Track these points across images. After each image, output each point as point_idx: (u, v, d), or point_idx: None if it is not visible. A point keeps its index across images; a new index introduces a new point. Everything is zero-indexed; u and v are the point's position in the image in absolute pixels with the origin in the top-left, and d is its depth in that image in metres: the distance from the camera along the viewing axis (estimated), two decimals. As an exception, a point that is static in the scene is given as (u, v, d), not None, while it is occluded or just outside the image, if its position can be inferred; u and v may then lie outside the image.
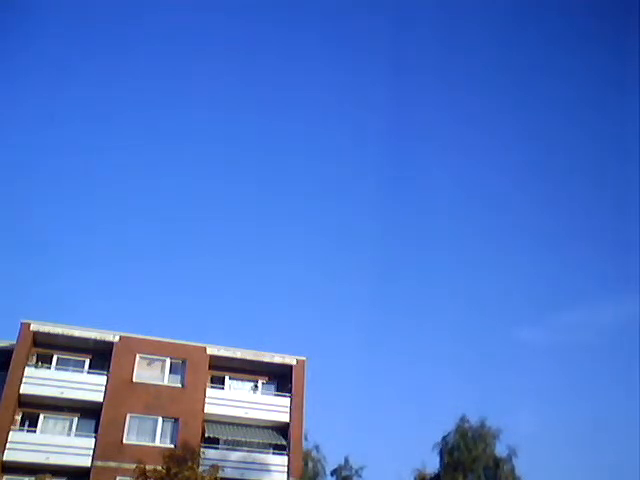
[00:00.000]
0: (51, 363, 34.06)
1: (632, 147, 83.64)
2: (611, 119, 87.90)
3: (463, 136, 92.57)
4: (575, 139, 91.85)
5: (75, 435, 32.65)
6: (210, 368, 35.84)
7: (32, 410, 32.62)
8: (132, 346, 34.69)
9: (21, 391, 31.89)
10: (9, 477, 30.46)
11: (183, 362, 35.37)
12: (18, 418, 32.22)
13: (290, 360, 37.31)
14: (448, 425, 44.99)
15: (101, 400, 32.81)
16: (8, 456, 30.38)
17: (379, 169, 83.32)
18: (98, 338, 34.34)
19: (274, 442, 35.46)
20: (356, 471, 46.80)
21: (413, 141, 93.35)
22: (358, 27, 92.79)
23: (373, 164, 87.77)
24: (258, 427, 35.66)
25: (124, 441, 32.26)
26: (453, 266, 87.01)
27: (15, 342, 32.83)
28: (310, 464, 45.32)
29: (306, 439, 40.50)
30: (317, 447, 46.20)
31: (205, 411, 34.43)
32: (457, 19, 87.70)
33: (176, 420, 33.66)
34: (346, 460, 47.03)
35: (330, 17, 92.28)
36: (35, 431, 32.20)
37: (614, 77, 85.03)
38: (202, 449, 30.74)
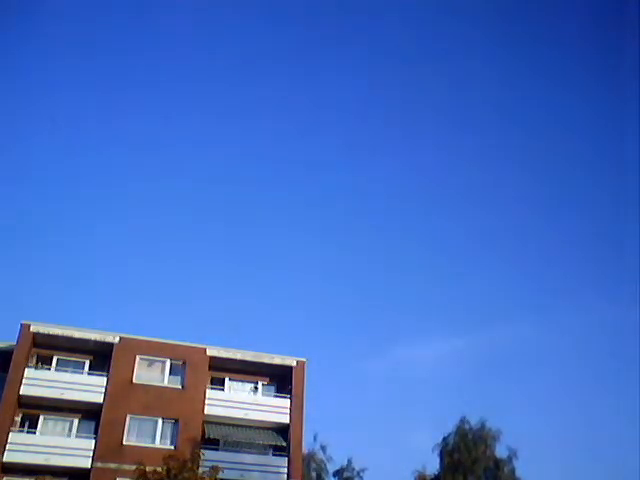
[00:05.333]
0: (51, 364, 33.98)
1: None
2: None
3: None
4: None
5: (75, 436, 32.58)
6: (210, 369, 35.79)
7: (32, 411, 32.55)
8: (132, 347, 34.63)
9: (21, 392, 31.83)
10: (9, 478, 30.33)
11: (183, 363, 35.32)
12: (18, 419, 32.15)
13: (290, 361, 37.25)
14: (448, 426, 45.12)
15: (101, 401, 32.76)
16: (8, 457, 30.32)
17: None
18: (98, 339, 34.30)
19: (274, 443, 35.37)
20: (358, 473, 46.82)
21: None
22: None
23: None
24: (258, 428, 35.59)
25: (124, 442, 32.18)
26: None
27: (15, 343, 32.80)
28: (312, 465, 45.38)
29: (315, 439, 40.60)
30: (322, 448, 46.33)
31: (205, 412, 34.37)
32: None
33: (176, 421, 33.60)
34: (349, 462, 47.07)
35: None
36: (35, 432, 32.11)
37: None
38: (202, 450, 30.64)
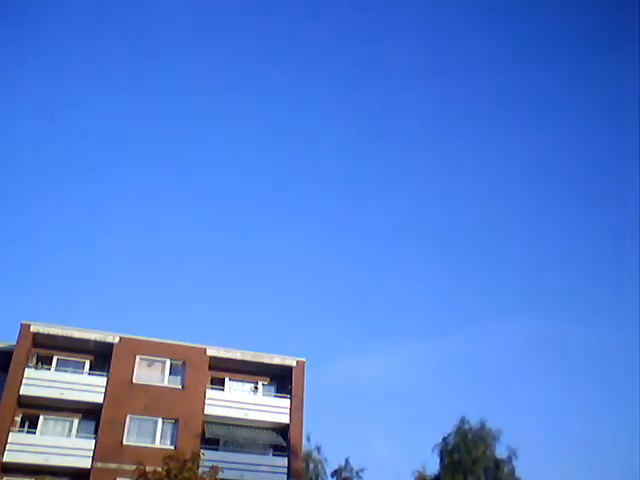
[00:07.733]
0: (51, 364, 33.99)
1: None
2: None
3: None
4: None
5: (75, 436, 32.59)
6: (210, 369, 35.79)
7: (32, 411, 32.56)
8: (132, 347, 34.63)
9: (21, 392, 31.84)
10: (9, 478, 30.33)
11: (183, 363, 35.32)
12: (18, 419, 32.16)
13: (290, 361, 37.26)
14: (448, 426, 45.05)
15: (101, 401, 32.76)
16: (8, 457, 30.32)
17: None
18: (98, 339, 34.31)
19: (274, 443, 35.40)
20: (356, 473, 46.79)
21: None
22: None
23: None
24: (258, 428, 35.61)
25: (124, 442, 32.19)
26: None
27: (15, 343, 32.80)
28: (311, 465, 45.35)
29: (308, 440, 40.54)
30: (318, 448, 46.29)
31: (205, 412, 34.38)
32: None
33: (176, 421, 33.60)
34: (347, 462, 47.05)
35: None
36: (35, 432, 32.11)
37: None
38: (202, 450, 30.58)
